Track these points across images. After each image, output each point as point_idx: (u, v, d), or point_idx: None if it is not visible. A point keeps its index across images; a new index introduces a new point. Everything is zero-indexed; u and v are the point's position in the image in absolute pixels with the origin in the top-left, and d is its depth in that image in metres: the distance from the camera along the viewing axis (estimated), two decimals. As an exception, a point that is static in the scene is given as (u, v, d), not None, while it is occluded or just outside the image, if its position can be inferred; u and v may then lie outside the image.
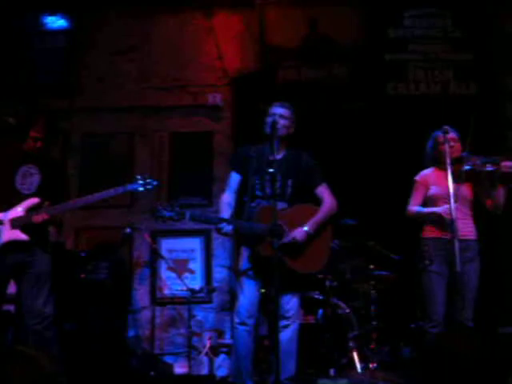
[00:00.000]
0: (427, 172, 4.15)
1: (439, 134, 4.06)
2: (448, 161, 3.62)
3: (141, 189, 3.69)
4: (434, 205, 4.02)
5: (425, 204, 4.08)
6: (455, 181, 3.83)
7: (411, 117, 5.56)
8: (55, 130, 3.96)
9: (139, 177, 3.72)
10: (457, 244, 3.50)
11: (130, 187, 3.69)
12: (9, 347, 1.66)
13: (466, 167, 3.85)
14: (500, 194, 3.92)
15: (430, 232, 4.03)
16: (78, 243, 5.67)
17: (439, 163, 4.08)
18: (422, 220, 4.06)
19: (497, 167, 3.82)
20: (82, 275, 4.91)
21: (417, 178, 4.16)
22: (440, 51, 5.96)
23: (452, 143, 4.00)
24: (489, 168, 3.84)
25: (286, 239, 3.56)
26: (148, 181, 3.71)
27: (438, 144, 4.07)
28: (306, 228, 3.62)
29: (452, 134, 4.04)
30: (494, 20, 5.83)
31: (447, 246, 3.88)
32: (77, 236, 5.70)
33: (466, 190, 4.01)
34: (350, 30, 5.93)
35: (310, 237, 3.62)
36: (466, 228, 3.93)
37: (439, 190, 4.00)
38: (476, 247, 3.96)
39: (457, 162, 3.91)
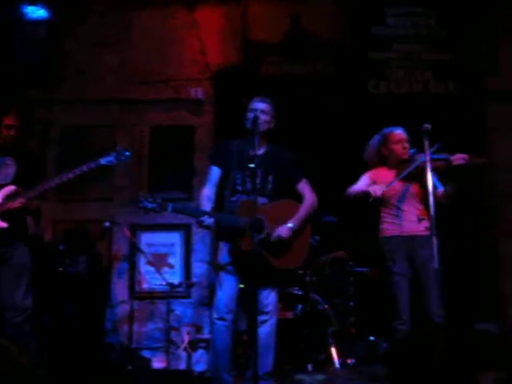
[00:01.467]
0: (379, 170, 4.14)
1: (393, 133, 4.09)
2: (428, 158, 3.64)
3: (114, 161, 3.66)
4: (387, 203, 4.03)
5: (379, 203, 4.09)
6: (405, 180, 3.91)
7: (392, 115, 5.58)
8: (30, 118, 3.92)
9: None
10: (435, 241, 3.53)
11: (102, 161, 3.65)
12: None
13: (415, 165, 3.87)
14: (450, 186, 3.93)
15: (387, 231, 4.04)
16: (57, 236, 5.62)
17: (387, 163, 4.11)
18: (355, 200, 4.04)
19: (448, 162, 3.86)
20: (60, 268, 4.88)
21: (369, 172, 4.16)
22: (422, 51, 6.00)
23: (405, 144, 4.04)
24: (440, 163, 3.86)
25: (271, 238, 3.58)
26: (121, 152, 3.68)
27: (391, 143, 4.09)
28: (290, 225, 3.63)
29: (404, 133, 4.07)
30: (475, 20, 5.89)
31: (408, 243, 3.94)
32: (55, 229, 5.65)
33: (416, 187, 4.01)
34: (334, 26, 5.94)
35: (294, 233, 3.64)
36: (423, 225, 3.93)
37: (390, 189, 3.99)
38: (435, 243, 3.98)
39: (405, 162, 3.96)
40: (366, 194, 3.93)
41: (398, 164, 4.02)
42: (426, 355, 1.73)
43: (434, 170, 3.81)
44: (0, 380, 1.49)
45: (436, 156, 3.81)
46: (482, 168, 3.91)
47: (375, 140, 4.18)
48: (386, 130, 4.13)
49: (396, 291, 3.94)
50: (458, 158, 3.85)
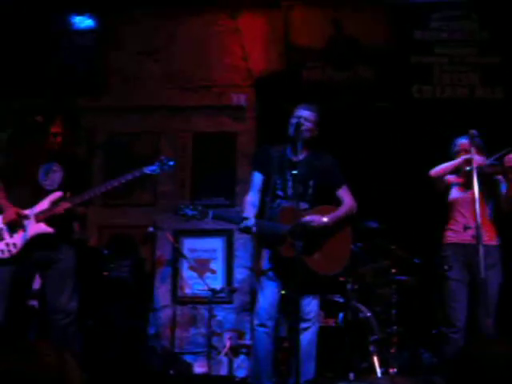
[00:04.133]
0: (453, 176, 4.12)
1: (456, 142, 4.05)
2: (474, 166, 3.57)
3: (158, 170, 3.69)
4: (451, 210, 3.99)
5: (446, 207, 4.04)
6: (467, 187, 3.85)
7: (437, 120, 5.50)
8: (76, 126, 4.00)
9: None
10: (481, 250, 3.46)
11: (146, 170, 3.68)
12: (22, 341, 1.65)
13: (469, 168, 3.80)
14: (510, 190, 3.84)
15: (449, 238, 3.99)
16: (102, 241, 5.72)
17: (457, 171, 4.06)
18: (444, 178, 3.99)
19: (501, 165, 3.77)
20: (105, 273, 4.96)
21: None
22: (466, 54, 5.89)
23: (463, 154, 3.97)
24: (495, 168, 3.78)
25: (302, 220, 3.52)
26: (164, 161, 3.70)
27: (454, 152, 4.06)
28: (324, 219, 3.60)
29: (465, 143, 3.99)
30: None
31: (467, 251, 3.86)
32: (100, 234, 5.76)
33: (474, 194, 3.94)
34: (376, 31, 5.89)
35: (329, 233, 3.61)
36: (486, 233, 3.83)
37: (458, 194, 3.97)
38: (497, 253, 3.89)
39: (469, 173, 3.89)
40: (466, 161, 3.82)
41: (465, 174, 3.97)
42: (486, 370, 1.68)
43: (493, 175, 3.74)
44: (28, 381, 1.50)
45: (491, 162, 3.75)
46: None
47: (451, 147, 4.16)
48: (456, 139, 4.11)
49: (450, 297, 3.87)
50: (510, 160, 3.76)
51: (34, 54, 5.94)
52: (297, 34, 5.98)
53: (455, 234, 3.96)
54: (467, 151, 3.95)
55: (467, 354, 1.74)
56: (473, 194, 3.79)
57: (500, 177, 3.91)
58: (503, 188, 3.93)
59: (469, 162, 3.77)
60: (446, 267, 3.90)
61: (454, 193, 4.01)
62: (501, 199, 3.92)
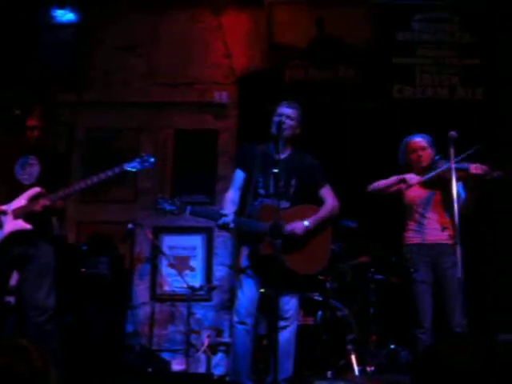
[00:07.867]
0: (409, 176, 4.11)
1: (410, 141, 4.06)
2: (453, 166, 3.60)
3: (138, 167, 3.66)
4: (411, 211, 4.01)
5: (403, 210, 4.07)
6: (429, 187, 3.89)
7: (417, 121, 5.53)
8: (54, 120, 3.94)
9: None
10: (458, 250, 3.49)
11: (126, 166, 3.65)
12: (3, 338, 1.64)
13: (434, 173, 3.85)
14: (470, 195, 3.88)
15: (411, 238, 4.01)
16: (80, 237, 5.67)
17: (412, 170, 4.07)
18: (384, 193, 4.03)
19: (466, 171, 3.80)
20: (83, 269, 4.91)
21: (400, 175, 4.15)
22: (447, 56, 5.95)
23: (420, 152, 3.99)
24: (460, 173, 3.80)
25: (284, 231, 3.54)
26: (145, 158, 3.68)
27: (408, 152, 4.06)
28: (305, 223, 3.61)
29: (420, 141, 4.02)
30: (501, 26, 5.82)
31: (432, 251, 3.90)
32: (79, 230, 5.71)
33: (439, 195, 3.97)
34: (359, 31, 5.92)
35: (309, 233, 3.62)
36: (446, 233, 3.89)
37: (415, 196, 3.99)
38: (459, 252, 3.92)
39: (427, 170, 3.92)
40: (400, 181, 3.91)
41: (423, 171, 4.00)
42: (453, 368, 1.69)
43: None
44: (14, 382, 1.49)
45: (457, 165, 3.77)
46: (501, 181, 3.84)
47: (401, 148, 4.15)
48: (406, 139, 4.12)
49: (418, 299, 3.91)
50: (476, 168, 3.79)
51: (14, 47, 5.86)
52: (280, 33, 5.98)
53: (417, 234, 3.98)
54: (423, 150, 3.99)
55: (435, 352, 1.76)
56: (438, 195, 3.94)
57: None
58: (460, 189, 3.95)
59: (403, 181, 3.91)
60: (411, 270, 3.92)
61: (412, 193, 4.02)
62: (459, 201, 3.95)
